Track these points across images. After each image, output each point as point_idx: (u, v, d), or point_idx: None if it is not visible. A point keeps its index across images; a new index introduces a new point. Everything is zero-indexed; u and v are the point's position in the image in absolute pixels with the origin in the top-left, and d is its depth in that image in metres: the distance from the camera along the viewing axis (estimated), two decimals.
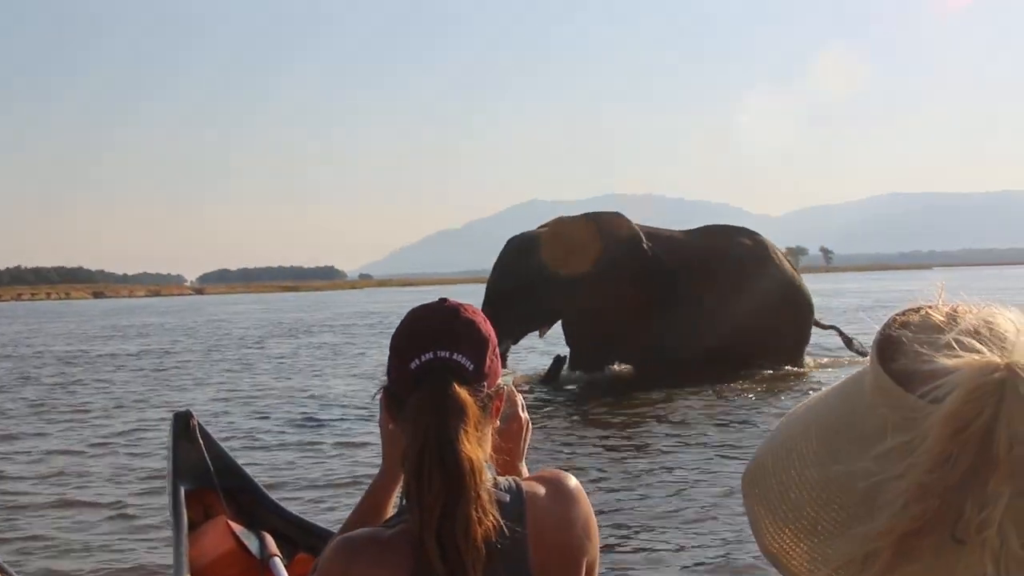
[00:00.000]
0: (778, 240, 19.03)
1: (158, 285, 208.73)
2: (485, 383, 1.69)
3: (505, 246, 15.24)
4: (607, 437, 10.69)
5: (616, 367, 15.66)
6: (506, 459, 1.81)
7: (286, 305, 67.30)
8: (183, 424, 3.94)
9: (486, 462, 1.67)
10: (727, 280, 14.61)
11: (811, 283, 16.84)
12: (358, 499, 1.87)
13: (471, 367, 1.68)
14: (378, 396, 1.75)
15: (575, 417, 12.22)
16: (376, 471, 1.83)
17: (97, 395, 15.54)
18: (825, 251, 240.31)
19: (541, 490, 1.72)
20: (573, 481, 1.78)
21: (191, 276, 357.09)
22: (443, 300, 1.78)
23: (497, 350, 1.73)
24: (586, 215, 15.32)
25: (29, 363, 22.24)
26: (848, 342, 15.75)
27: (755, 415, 11.62)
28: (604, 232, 14.66)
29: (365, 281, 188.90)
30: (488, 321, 1.74)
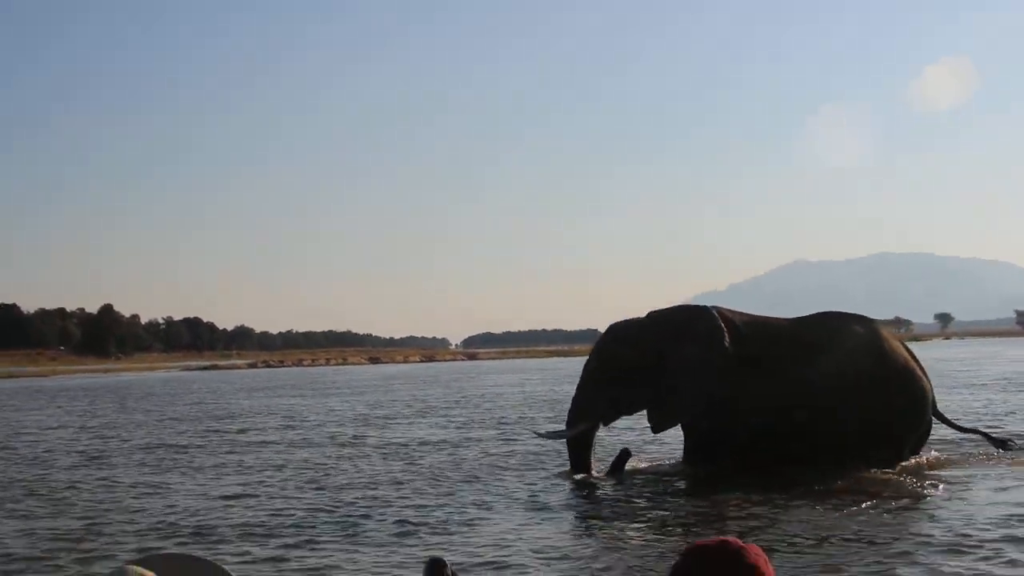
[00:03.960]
0: None
1: (426, 349, 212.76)
2: None
3: (605, 333, 15.35)
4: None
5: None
6: None
7: (564, 371, 64.85)
8: (436, 573, 3.48)
9: None
10: (828, 371, 13.85)
11: None
12: None
13: None
14: None
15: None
16: None
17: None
18: None
19: None
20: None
21: (455, 339, 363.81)
22: (724, 542, 1.78)
23: None
24: (679, 307, 15.44)
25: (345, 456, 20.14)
26: (1000, 444, 15.24)
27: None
28: (688, 327, 14.31)
29: None
30: (769, 563, 1.75)
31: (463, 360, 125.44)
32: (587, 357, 15.56)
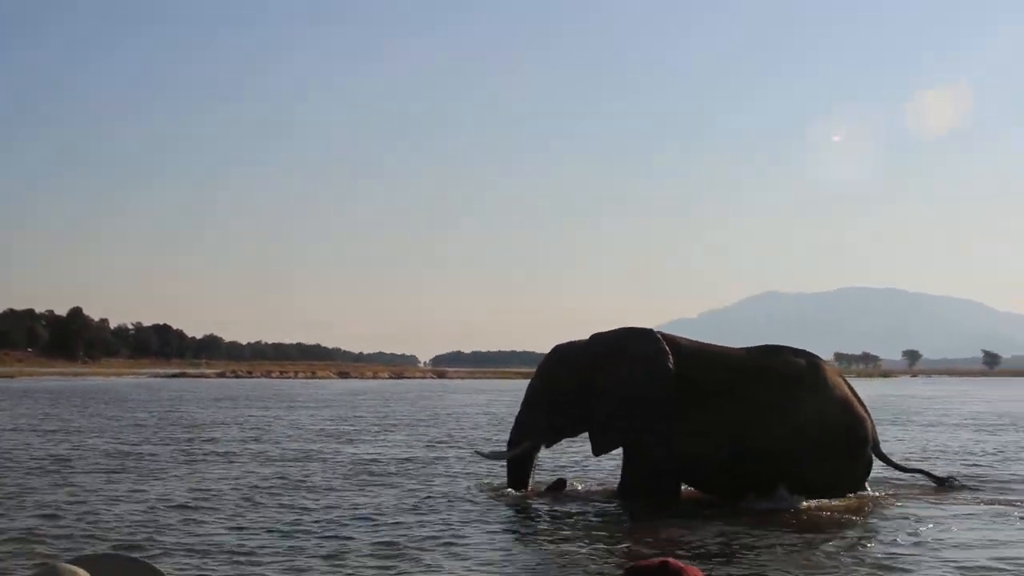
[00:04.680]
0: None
1: (395, 365, 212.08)
2: None
3: (548, 354, 15.36)
4: None
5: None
6: None
7: None
8: None
9: None
10: (763, 400, 13.90)
11: None
12: None
13: None
14: None
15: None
16: None
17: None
18: None
19: None
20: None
21: (424, 357, 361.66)
22: (664, 562, 1.75)
23: None
24: (619, 330, 14.98)
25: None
26: (939, 481, 15.42)
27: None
28: (628, 349, 14.33)
29: None
30: None
31: (432, 378, 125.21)
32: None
